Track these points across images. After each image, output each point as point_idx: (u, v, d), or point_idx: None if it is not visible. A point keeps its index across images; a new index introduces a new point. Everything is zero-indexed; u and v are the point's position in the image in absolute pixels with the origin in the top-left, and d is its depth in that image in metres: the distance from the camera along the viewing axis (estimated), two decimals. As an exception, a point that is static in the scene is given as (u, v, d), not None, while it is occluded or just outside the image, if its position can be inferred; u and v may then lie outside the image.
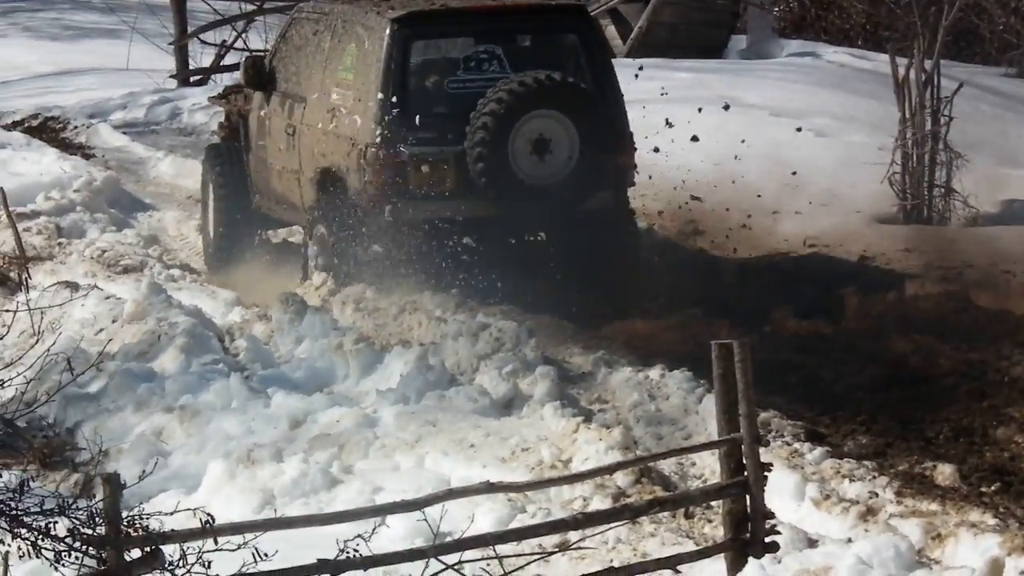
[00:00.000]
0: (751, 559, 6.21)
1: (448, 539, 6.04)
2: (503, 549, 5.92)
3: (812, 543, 6.74)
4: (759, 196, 13.07)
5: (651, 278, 11.15)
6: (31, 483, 5.33)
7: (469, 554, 5.79)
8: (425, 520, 5.99)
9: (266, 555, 5.26)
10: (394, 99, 10.39)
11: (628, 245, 10.92)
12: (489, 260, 10.52)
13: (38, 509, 5.08)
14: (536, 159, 10.38)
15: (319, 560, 5.41)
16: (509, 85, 10.32)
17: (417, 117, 10.41)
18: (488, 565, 5.98)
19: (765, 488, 6.30)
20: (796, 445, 7.90)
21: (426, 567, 5.57)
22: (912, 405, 8.62)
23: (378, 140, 10.38)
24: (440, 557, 5.63)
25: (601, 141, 10.46)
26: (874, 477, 7.47)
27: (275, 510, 7.50)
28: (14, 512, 5.04)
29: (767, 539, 6.28)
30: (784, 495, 7.26)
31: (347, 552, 5.39)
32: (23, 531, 5.04)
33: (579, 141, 10.38)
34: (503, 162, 10.28)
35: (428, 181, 10.42)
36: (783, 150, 14.06)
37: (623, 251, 10.82)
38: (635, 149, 10.88)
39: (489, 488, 6.09)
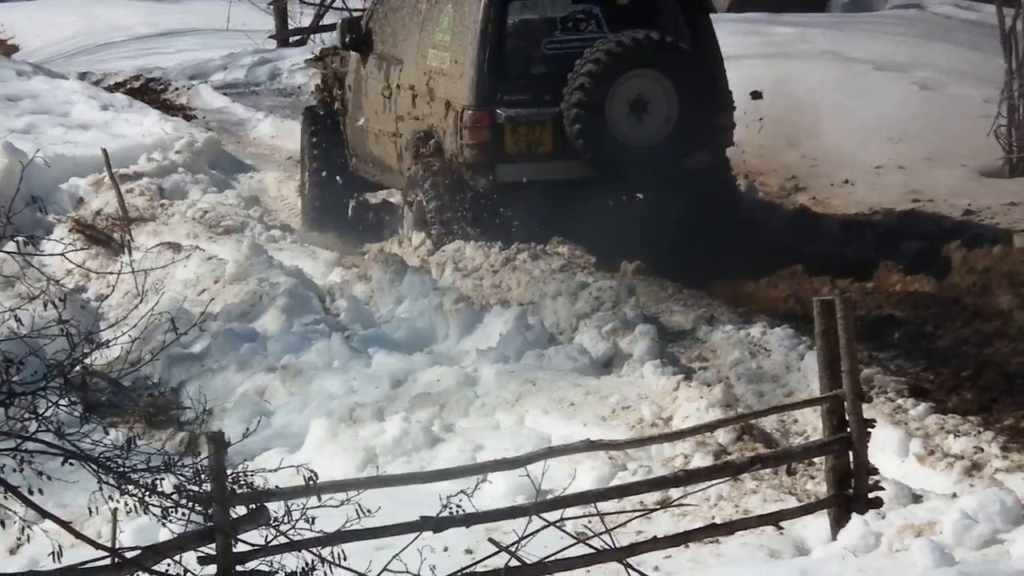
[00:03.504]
0: (854, 515, 6.14)
1: (549, 496, 6.04)
2: (604, 506, 5.91)
3: (916, 498, 6.66)
4: (861, 151, 12.89)
5: (752, 235, 11.05)
6: (138, 441, 5.39)
7: (570, 511, 5.78)
8: (527, 477, 6.00)
9: (369, 511, 5.29)
10: (491, 61, 10.35)
11: (728, 204, 10.81)
12: (587, 222, 10.47)
13: (145, 466, 5.14)
14: (634, 120, 10.29)
15: (422, 517, 5.43)
16: (607, 45, 10.22)
17: (514, 79, 10.38)
18: (590, 522, 5.98)
19: (868, 444, 6.23)
20: (900, 401, 7.81)
21: (528, 524, 5.57)
22: (1018, 360, 8.46)
23: (475, 102, 10.35)
24: (542, 514, 5.63)
25: (700, 101, 10.33)
26: (979, 432, 7.36)
27: (377, 468, 7.55)
28: (122, 469, 5.11)
29: (871, 495, 6.21)
30: (888, 451, 7.18)
31: (449, 509, 5.41)
32: (131, 488, 5.11)
33: (677, 101, 10.27)
34: (600, 123, 10.21)
35: (525, 143, 10.40)
36: (886, 104, 13.84)
37: (723, 210, 10.72)
38: (734, 108, 10.75)
39: (590, 446, 6.07)
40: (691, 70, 10.32)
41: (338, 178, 12.10)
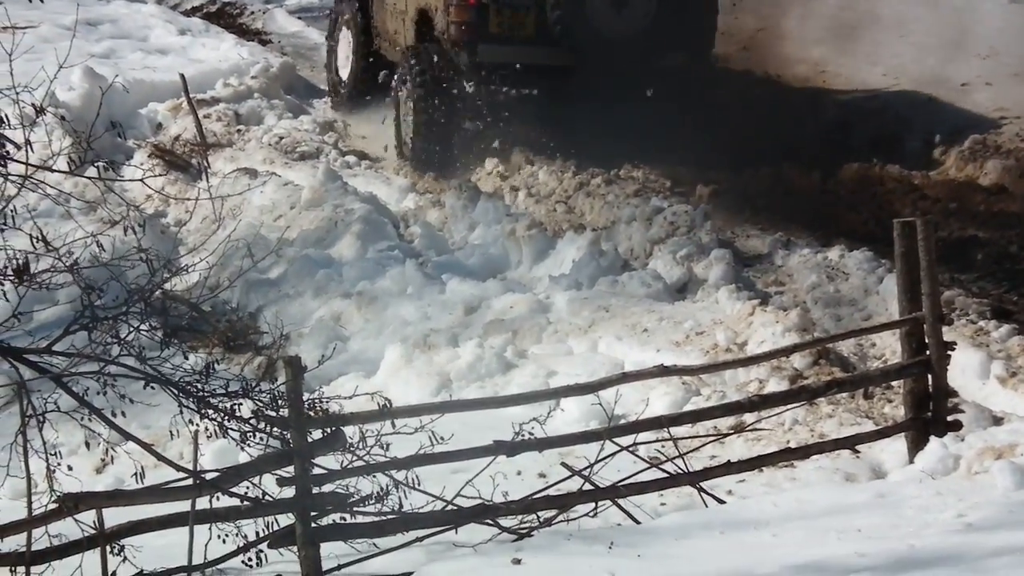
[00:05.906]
0: (933, 438, 6.09)
1: (622, 422, 6.05)
2: (678, 431, 5.91)
3: (997, 421, 6.60)
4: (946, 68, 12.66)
5: (830, 152, 10.92)
6: (216, 365, 5.45)
7: (643, 436, 5.78)
8: (599, 403, 5.99)
9: (442, 439, 5.32)
10: None
11: (697, 102, 10.83)
12: (562, 108, 10.54)
13: (224, 391, 5.20)
14: (613, 13, 10.41)
15: (495, 442, 5.46)
16: None
17: None
18: (663, 447, 5.98)
19: (948, 367, 6.16)
20: (981, 323, 7.71)
21: (601, 449, 5.58)
22: (1105, 282, 8.33)
23: None
24: (615, 439, 5.64)
25: (681, 0, 10.39)
26: (1064, 354, 7.26)
27: (451, 394, 7.59)
28: (202, 394, 5.18)
29: (950, 418, 6.15)
30: (968, 373, 7.10)
31: (522, 434, 5.43)
32: (210, 412, 5.17)
33: None
34: (581, 13, 10.34)
35: (508, 25, 10.54)
36: (973, 18, 13.55)
37: (688, 110, 10.75)
38: (717, 12, 10.81)
39: (663, 371, 6.05)
40: None
41: (373, 54, 12.38)
